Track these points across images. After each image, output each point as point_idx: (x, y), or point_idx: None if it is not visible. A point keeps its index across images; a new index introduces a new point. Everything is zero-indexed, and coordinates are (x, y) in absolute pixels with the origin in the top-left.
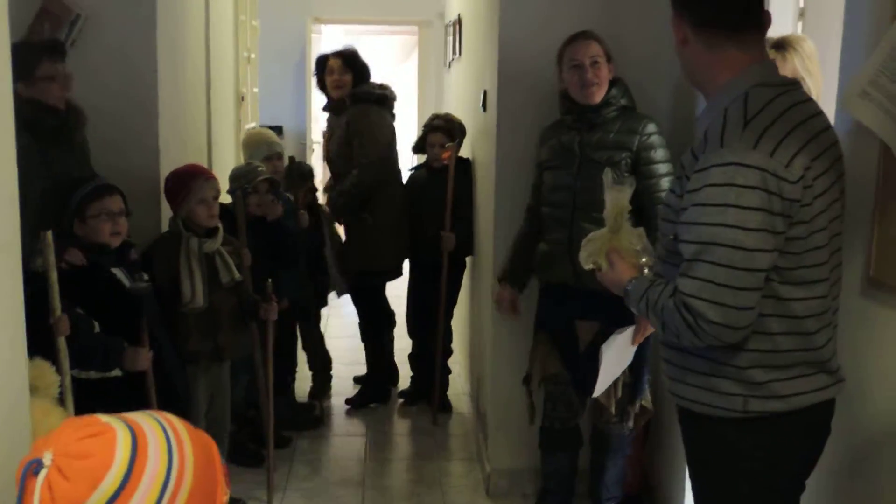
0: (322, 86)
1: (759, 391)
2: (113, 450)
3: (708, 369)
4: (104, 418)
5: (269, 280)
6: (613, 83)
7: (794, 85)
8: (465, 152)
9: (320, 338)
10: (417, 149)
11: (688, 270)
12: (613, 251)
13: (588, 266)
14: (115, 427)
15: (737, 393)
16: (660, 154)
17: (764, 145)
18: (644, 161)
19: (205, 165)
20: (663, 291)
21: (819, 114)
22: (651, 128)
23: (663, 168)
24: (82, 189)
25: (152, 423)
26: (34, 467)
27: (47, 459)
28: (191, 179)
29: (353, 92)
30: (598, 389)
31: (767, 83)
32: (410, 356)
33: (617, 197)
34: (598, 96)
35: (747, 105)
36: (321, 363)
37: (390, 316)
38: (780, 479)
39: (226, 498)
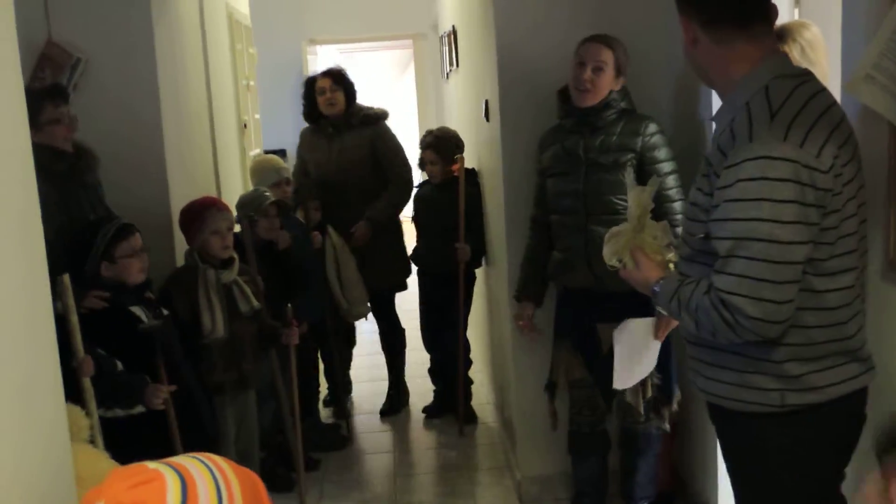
0: (311, 107)
1: (795, 384)
2: (164, 496)
3: (743, 366)
4: (152, 465)
5: (289, 305)
6: (614, 90)
7: (810, 75)
8: (469, 162)
9: (349, 358)
10: (421, 166)
11: (724, 267)
12: (638, 250)
13: (612, 263)
14: (163, 473)
15: (773, 388)
16: (663, 153)
17: (793, 137)
18: (649, 161)
19: (215, 196)
20: (696, 289)
21: (835, 103)
22: (653, 128)
23: (668, 167)
24: (105, 230)
25: (199, 467)
26: None
27: None
28: (204, 211)
29: (370, 110)
30: (618, 380)
31: (785, 74)
32: (430, 371)
33: (640, 196)
34: (587, 101)
35: (770, 98)
36: (345, 383)
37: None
38: (819, 470)
39: None
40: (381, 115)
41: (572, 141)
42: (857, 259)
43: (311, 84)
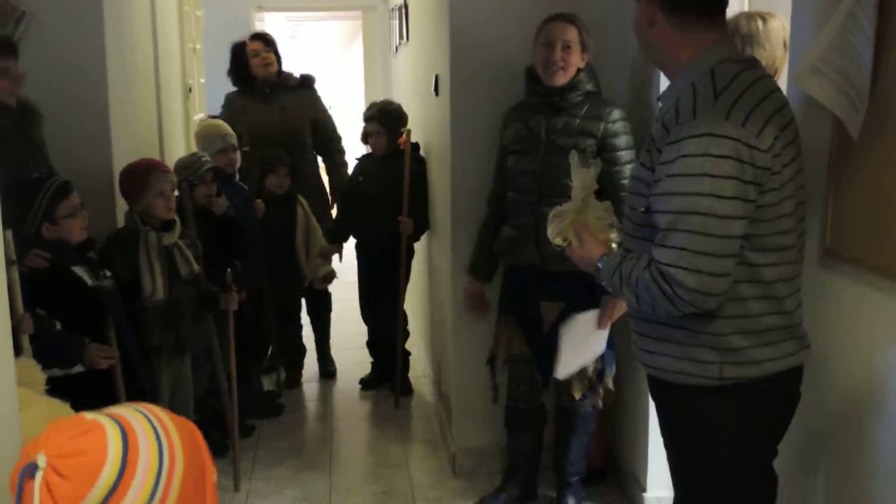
0: (242, 70)
1: (734, 357)
2: (105, 445)
3: (684, 339)
4: (90, 415)
5: (229, 270)
6: (581, 69)
7: (755, 62)
8: (416, 137)
9: (299, 328)
10: (364, 139)
11: (664, 240)
12: (582, 228)
13: (556, 241)
14: (103, 423)
15: (713, 361)
16: (623, 141)
17: (735, 116)
18: (609, 148)
19: (157, 159)
20: (637, 264)
21: (778, 90)
22: (616, 114)
23: (627, 155)
24: (45, 190)
25: (138, 416)
26: (30, 470)
27: (42, 462)
28: (148, 173)
29: (302, 74)
30: (561, 372)
31: (732, 59)
32: (368, 343)
33: (584, 177)
34: (560, 80)
35: (715, 79)
36: (298, 353)
37: None
38: (754, 446)
39: (214, 477)
40: (314, 80)
41: (535, 120)
42: (795, 238)
43: (240, 48)
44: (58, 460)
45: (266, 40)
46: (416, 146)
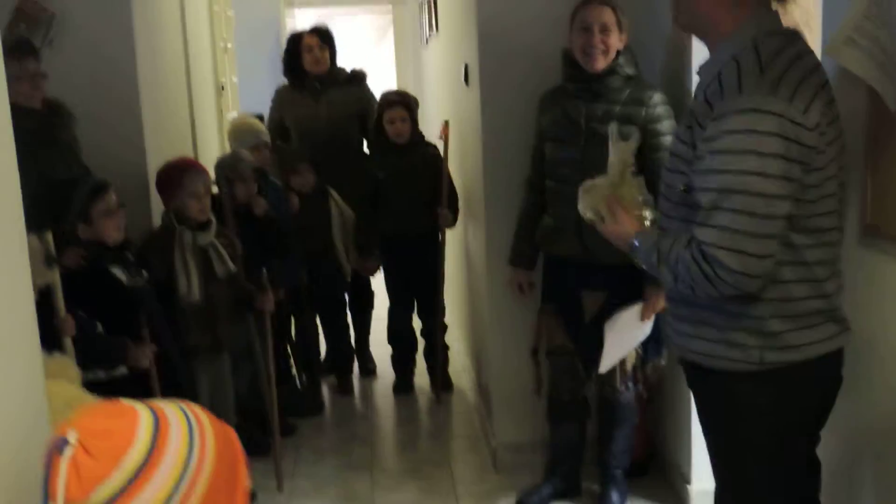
0: (293, 64)
1: (774, 342)
2: (135, 429)
3: (723, 322)
4: (127, 401)
5: (265, 270)
6: (620, 51)
7: (798, 34)
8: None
9: (346, 329)
10: (377, 129)
11: (706, 219)
12: (616, 203)
13: (588, 216)
14: (137, 409)
15: (753, 345)
16: (666, 126)
17: (783, 92)
18: (651, 134)
19: (192, 158)
20: (676, 243)
21: (820, 65)
22: (657, 98)
23: (670, 140)
24: (80, 190)
25: (174, 409)
26: (59, 446)
27: (72, 438)
28: (182, 173)
29: (354, 69)
30: (604, 365)
31: (775, 31)
32: (395, 341)
33: (622, 151)
34: (601, 64)
35: (759, 53)
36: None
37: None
38: (795, 431)
39: (247, 484)
40: (366, 75)
41: (573, 107)
42: (836, 220)
43: (296, 40)
44: (88, 438)
45: (323, 36)
46: (422, 135)
